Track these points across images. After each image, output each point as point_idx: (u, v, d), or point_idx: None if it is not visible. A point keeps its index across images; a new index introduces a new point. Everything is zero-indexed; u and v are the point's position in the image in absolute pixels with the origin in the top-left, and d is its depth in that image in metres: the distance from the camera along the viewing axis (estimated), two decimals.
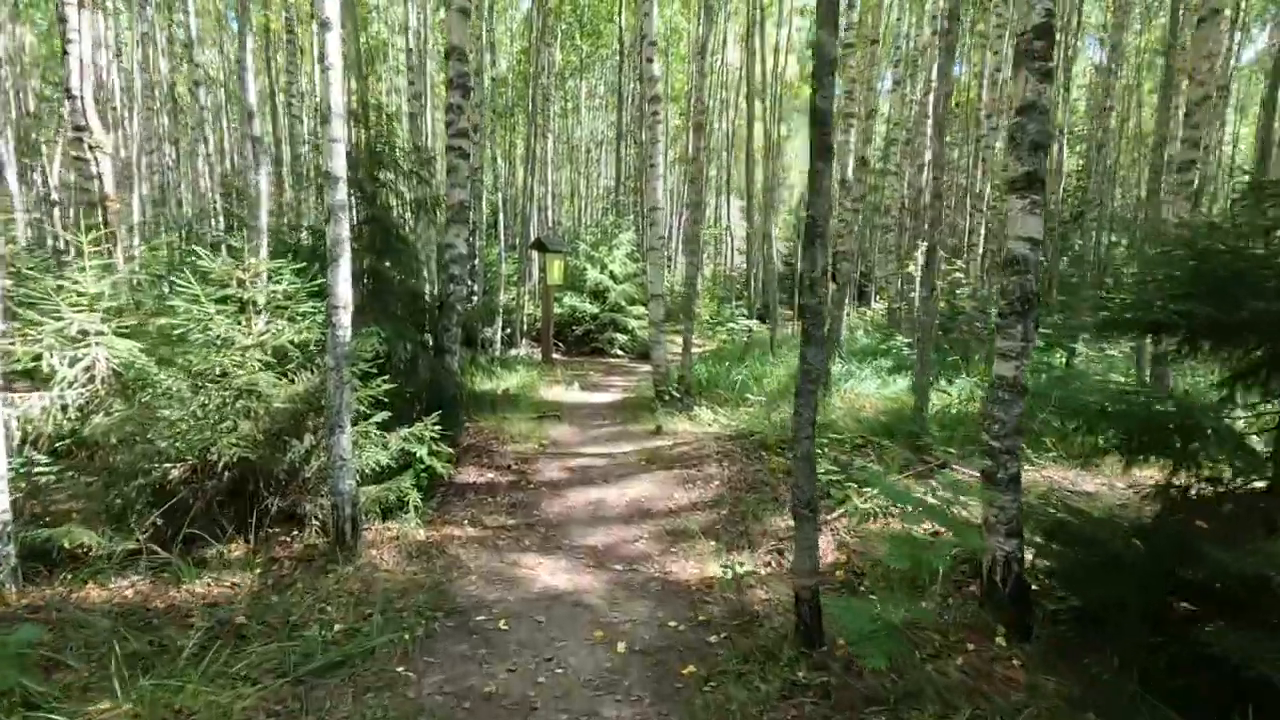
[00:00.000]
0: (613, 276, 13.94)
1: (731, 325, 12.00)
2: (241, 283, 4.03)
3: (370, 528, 4.22)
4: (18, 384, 3.93)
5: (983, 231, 10.46)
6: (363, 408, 4.10)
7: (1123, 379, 8.40)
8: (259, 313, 4.18)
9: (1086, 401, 3.08)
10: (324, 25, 3.45)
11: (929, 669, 2.64)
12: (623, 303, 13.77)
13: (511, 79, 20.82)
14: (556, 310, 13.05)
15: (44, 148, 16.23)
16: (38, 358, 3.69)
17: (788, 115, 24.86)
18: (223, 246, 4.24)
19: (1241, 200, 2.70)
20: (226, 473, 3.79)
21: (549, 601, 3.56)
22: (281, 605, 3.20)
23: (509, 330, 13.07)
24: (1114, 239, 17.35)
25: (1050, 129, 2.81)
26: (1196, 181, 6.08)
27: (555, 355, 12.59)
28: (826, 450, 5.52)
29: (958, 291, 11.28)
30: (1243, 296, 2.31)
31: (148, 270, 5.95)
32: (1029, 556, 3.14)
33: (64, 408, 3.71)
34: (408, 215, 6.24)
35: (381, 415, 4.17)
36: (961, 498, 4.66)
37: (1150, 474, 4.74)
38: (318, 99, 13.03)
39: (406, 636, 3.03)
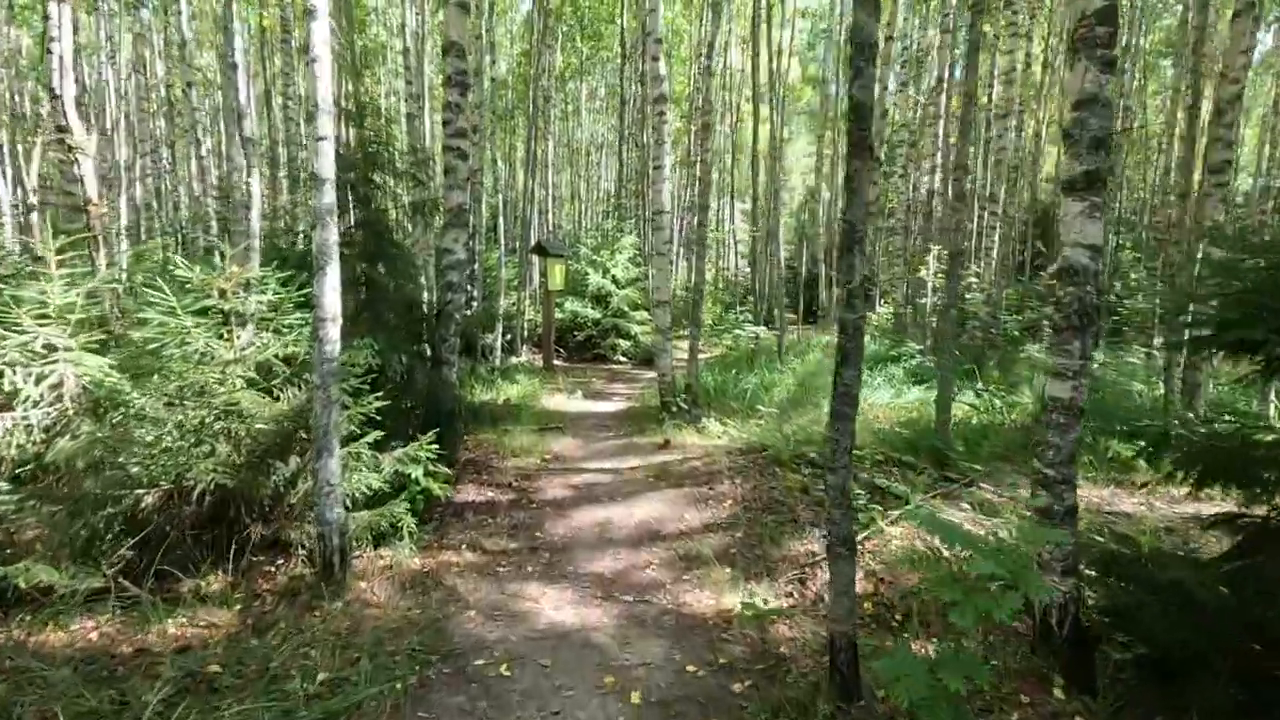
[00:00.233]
0: (615, 281, 13.66)
1: (738, 332, 11.70)
2: (223, 292, 3.75)
3: (362, 555, 3.93)
4: None
5: (996, 236, 10.19)
6: (353, 427, 3.81)
7: (1142, 386, 8.14)
8: (243, 325, 3.89)
9: (1147, 424, 2.79)
10: (310, 13, 3.17)
11: None
12: (625, 308, 13.49)
13: (512, 81, 20.59)
14: (557, 316, 12.76)
15: (20, 149, 15.97)
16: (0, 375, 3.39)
17: (789, 118, 24.66)
18: (216, 253, 3.93)
19: None
20: (206, 498, 3.50)
21: (555, 640, 3.26)
22: (261, 650, 2.90)
23: (509, 337, 12.78)
24: (1120, 241, 17.10)
25: (1112, 124, 2.53)
26: (1232, 183, 5.78)
27: (556, 362, 12.31)
28: None
29: (968, 296, 11.01)
30: None
31: (130, 278, 5.65)
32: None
33: (28, 429, 3.42)
34: (404, 219, 5.96)
35: (374, 435, 3.88)
36: (992, 519, 4.40)
37: (1188, 494, 4.47)
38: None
39: (398, 686, 2.73)
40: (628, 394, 9.91)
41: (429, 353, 5.46)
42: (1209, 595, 2.39)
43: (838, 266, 2.42)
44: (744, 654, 3.15)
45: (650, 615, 3.59)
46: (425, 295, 8.66)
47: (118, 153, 14.59)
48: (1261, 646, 2.28)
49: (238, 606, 3.30)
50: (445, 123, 5.32)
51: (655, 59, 7.57)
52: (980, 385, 7.64)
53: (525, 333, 13.53)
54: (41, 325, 3.59)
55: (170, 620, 3.13)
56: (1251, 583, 2.30)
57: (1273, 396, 5.48)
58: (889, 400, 7.79)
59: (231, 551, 3.60)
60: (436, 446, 4.27)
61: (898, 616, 3.54)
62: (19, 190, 13.88)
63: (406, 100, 11.51)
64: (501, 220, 13.11)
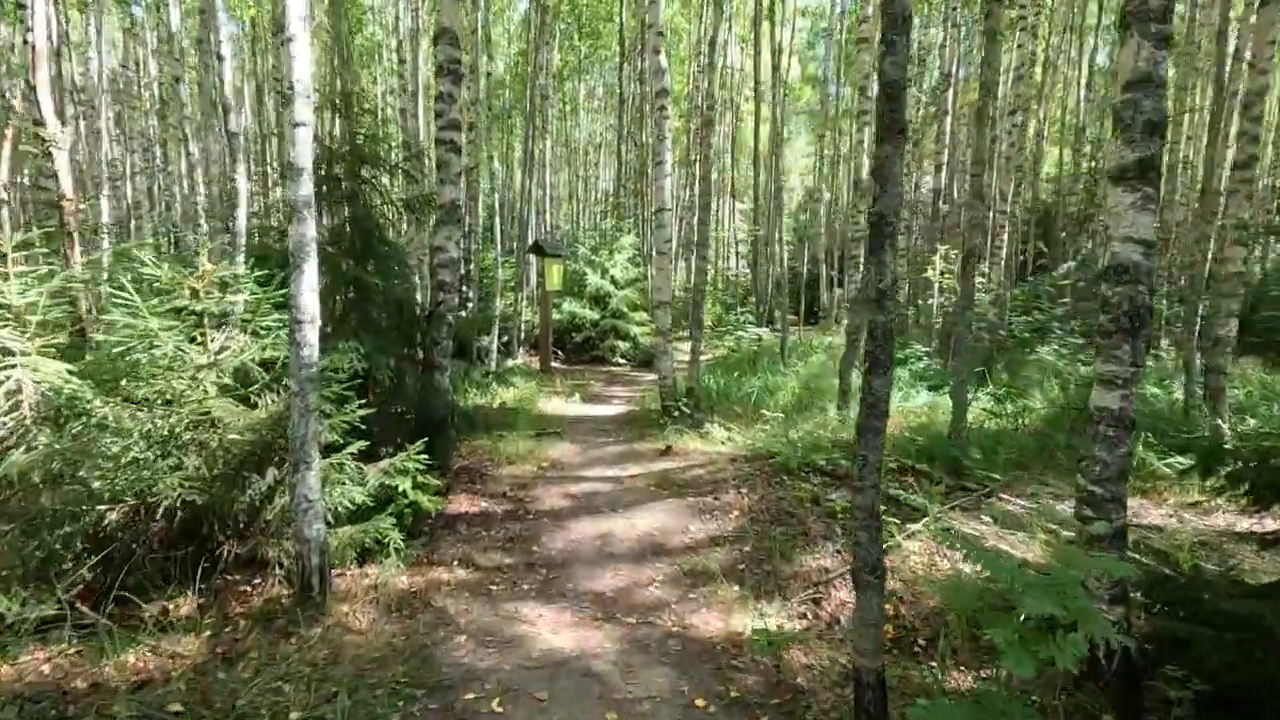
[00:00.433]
0: (614, 281, 13.41)
1: (740, 334, 11.46)
2: (195, 292, 3.49)
3: (345, 573, 3.67)
4: None
5: (1005, 235, 9.97)
6: (336, 436, 3.55)
7: (1156, 390, 7.91)
8: (218, 327, 3.63)
9: (1196, 437, 2.55)
10: None
11: None
12: (624, 309, 13.24)
13: (509, 81, 20.35)
14: (555, 317, 12.51)
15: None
16: None
17: (788, 118, 24.45)
18: (205, 251, 3.67)
19: None
20: (177, 514, 3.24)
21: (552, 669, 3.01)
22: (229, 685, 2.64)
23: (506, 338, 12.52)
24: None
25: (1166, 106, 2.29)
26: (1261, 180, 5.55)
27: (554, 364, 12.05)
28: None
29: (977, 297, 10.77)
30: None
31: (100, 278, 5.38)
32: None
33: None
34: (395, 216, 5.70)
35: (358, 444, 3.61)
36: (1016, 533, 4.15)
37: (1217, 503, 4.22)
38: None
39: None
40: (627, 396, 9.66)
41: (421, 356, 5.20)
42: (1274, 623, 2.16)
43: (866, 263, 2.17)
44: (757, 685, 2.90)
45: (654, 639, 3.34)
46: (419, 296, 8.41)
47: (109, 150, 14.29)
48: None
49: (206, 633, 3.03)
50: (437, 114, 5.06)
51: (657, 51, 7.32)
52: (993, 389, 7.40)
53: (522, 334, 13.27)
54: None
55: (131, 650, 2.86)
56: None
57: None
58: (898, 404, 7.54)
59: (204, 570, 3.34)
60: (426, 456, 4.02)
61: (921, 641, 3.30)
62: None
63: (400, 95, 11.24)
64: (498, 220, 12.86)
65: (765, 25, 15.38)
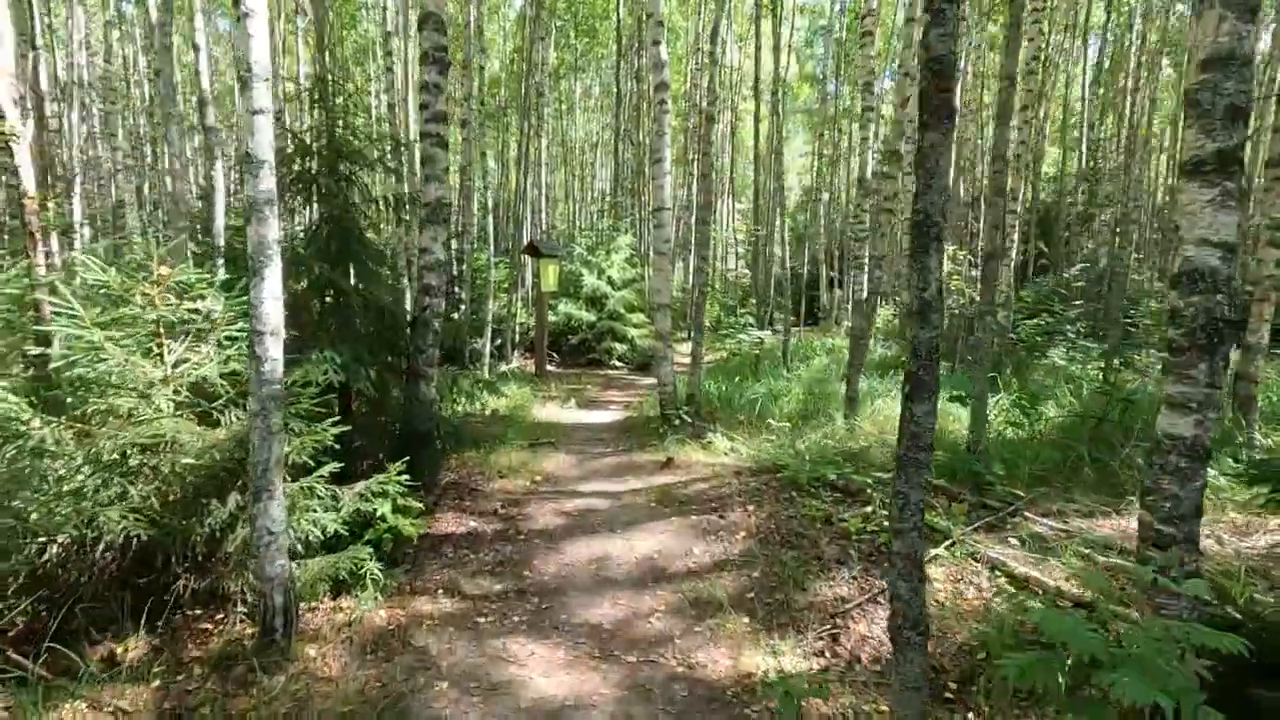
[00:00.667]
0: (611, 282, 13.09)
1: (741, 336, 11.16)
2: (149, 300, 3.15)
3: (317, 609, 3.34)
4: None
5: (1016, 236, 9.69)
6: (305, 458, 3.22)
7: None
8: (176, 338, 3.30)
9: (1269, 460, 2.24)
10: None
11: None
12: (621, 310, 12.92)
13: (505, 79, 20.01)
14: (551, 319, 12.18)
15: None
16: None
17: (786, 116, 24.15)
18: (157, 253, 3.33)
19: None
20: (130, 546, 2.92)
21: None
22: None
23: (499, 342, 12.19)
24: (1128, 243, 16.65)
25: (1251, 89, 1.99)
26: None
27: (550, 367, 11.72)
28: (872, 491, 4.68)
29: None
30: None
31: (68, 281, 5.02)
32: None
33: None
34: (379, 216, 5.37)
35: (330, 466, 3.29)
36: (1053, 561, 3.84)
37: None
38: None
39: None
40: (625, 402, 9.34)
41: (405, 365, 4.86)
42: None
43: (909, 269, 1.85)
44: None
45: (657, 681, 3.02)
46: (407, 299, 8.07)
47: (87, 147, 13.90)
48: None
49: (155, 682, 2.70)
50: (422, 106, 4.73)
51: (656, 43, 7.00)
52: (1009, 396, 7.09)
53: (517, 337, 12.95)
54: None
55: (69, 704, 2.53)
56: None
57: None
58: None
59: (160, 606, 3.01)
60: (409, 475, 3.69)
61: (952, 684, 2.98)
62: None
63: (388, 91, 10.91)
64: (492, 220, 12.53)
65: (765, 23, 15.10)
